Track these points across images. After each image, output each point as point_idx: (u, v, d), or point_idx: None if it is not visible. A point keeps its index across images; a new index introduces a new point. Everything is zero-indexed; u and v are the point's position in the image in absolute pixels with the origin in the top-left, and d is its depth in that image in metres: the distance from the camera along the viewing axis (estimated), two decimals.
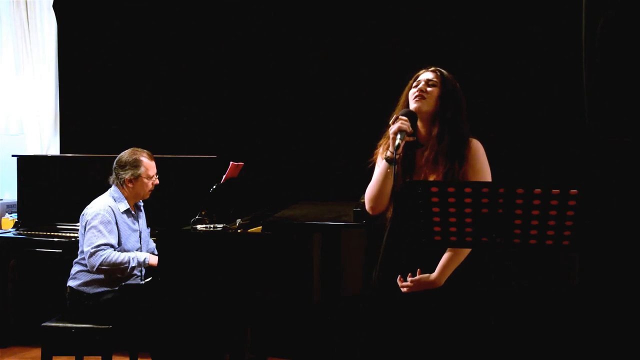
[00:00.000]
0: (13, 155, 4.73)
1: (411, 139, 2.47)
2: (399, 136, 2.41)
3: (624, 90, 3.25)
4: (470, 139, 2.57)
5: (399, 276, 2.50)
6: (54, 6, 5.05)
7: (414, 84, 2.58)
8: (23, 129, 5.14)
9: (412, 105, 2.54)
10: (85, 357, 3.69)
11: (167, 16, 4.94)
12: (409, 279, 2.47)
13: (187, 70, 4.91)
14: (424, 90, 2.53)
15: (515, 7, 4.19)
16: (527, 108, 4.18)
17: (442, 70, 2.59)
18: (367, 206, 2.63)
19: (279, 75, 4.71)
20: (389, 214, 2.61)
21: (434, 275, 2.47)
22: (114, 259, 3.46)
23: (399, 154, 2.43)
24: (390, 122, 2.49)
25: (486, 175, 2.55)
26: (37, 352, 3.80)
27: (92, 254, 3.46)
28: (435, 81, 2.55)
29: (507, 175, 3.93)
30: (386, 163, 2.50)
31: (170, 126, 4.90)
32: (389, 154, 2.47)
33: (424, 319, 2.51)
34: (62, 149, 5.10)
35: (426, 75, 2.58)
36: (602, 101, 3.26)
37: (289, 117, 4.68)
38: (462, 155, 2.51)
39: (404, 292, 2.49)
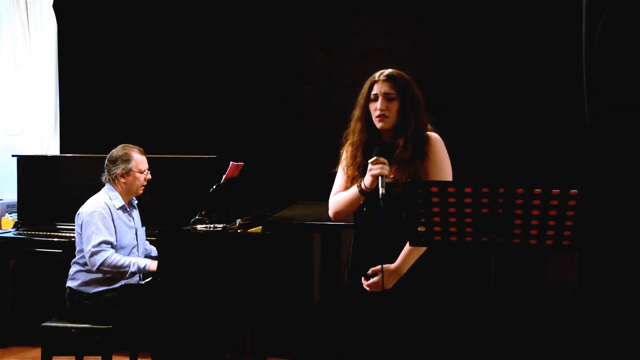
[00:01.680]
0: (13, 155, 4.73)
1: (390, 180, 2.47)
2: (379, 181, 2.40)
3: (624, 90, 3.25)
4: (429, 134, 2.58)
5: (363, 278, 2.50)
6: (54, 6, 5.05)
7: (372, 96, 2.57)
8: (23, 129, 5.14)
9: (378, 124, 2.55)
10: (85, 357, 3.68)
11: (167, 16, 4.94)
12: (370, 277, 2.48)
13: (187, 70, 4.91)
14: (384, 108, 2.53)
15: (515, 6, 4.19)
16: (527, 108, 4.18)
17: (396, 76, 2.56)
18: (331, 214, 2.68)
19: (279, 75, 4.71)
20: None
21: (395, 264, 2.47)
22: (115, 261, 3.46)
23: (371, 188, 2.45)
24: (370, 161, 2.46)
25: (446, 167, 2.57)
26: (37, 352, 3.80)
27: (93, 254, 3.46)
28: (393, 94, 2.54)
29: (507, 175, 3.95)
30: (358, 192, 2.52)
31: (170, 126, 4.91)
32: (363, 186, 2.49)
33: (397, 317, 2.51)
34: (62, 149, 5.10)
35: (382, 87, 2.55)
36: (602, 101, 3.26)
37: (289, 117, 4.68)
38: (424, 153, 2.54)
39: (370, 291, 2.49)
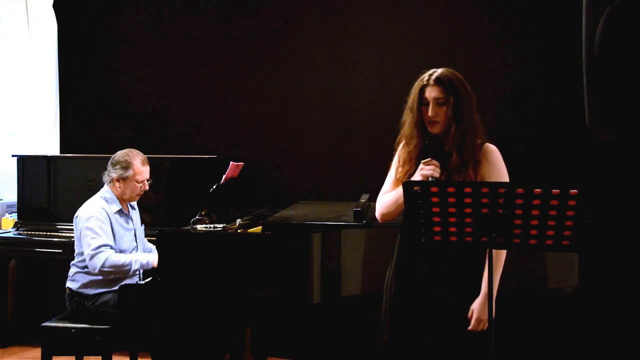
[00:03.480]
0: (13, 155, 4.73)
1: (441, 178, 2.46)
2: (430, 180, 2.41)
3: (624, 90, 3.24)
4: (486, 144, 2.57)
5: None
6: (54, 6, 5.05)
7: (424, 100, 2.52)
8: (23, 129, 5.13)
9: (430, 130, 2.53)
10: (85, 357, 3.68)
11: (167, 16, 4.94)
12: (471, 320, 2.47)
13: (187, 70, 4.91)
14: (434, 115, 2.50)
15: (515, 6, 4.20)
16: (526, 108, 4.19)
17: (445, 81, 2.50)
18: (378, 215, 2.65)
19: (279, 75, 4.71)
20: None
21: (482, 294, 2.45)
22: (115, 261, 3.45)
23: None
24: (422, 162, 2.45)
25: (504, 176, 2.55)
26: (37, 352, 3.80)
27: (92, 257, 3.44)
28: (443, 98, 2.49)
29: (507, 175, 3.94)
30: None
31: (171, 126, 4.91)
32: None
33: (440, 322, 2.50)
34: (62, 149, 5.10)
35: (432, 92, 2.50)
36: (602, 101, 3.25)
37: (289, 117, 4.68)
38: (477, 161, 2.51)
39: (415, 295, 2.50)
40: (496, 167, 2.54)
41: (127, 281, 3.51)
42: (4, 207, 4.97)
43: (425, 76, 2.53)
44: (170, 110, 4.93)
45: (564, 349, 3.97)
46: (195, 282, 3.12)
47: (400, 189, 2.51)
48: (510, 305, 3.30)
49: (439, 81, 2.50)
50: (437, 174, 2.42)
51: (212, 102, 4.86)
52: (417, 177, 2.45)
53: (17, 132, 5.13)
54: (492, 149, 2.57)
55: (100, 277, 3.53)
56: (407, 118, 2.58)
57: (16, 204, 4.72)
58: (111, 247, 3.50)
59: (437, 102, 2.50)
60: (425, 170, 2.43)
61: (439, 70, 2.53)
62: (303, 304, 3.12)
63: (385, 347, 2.61)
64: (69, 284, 3.62)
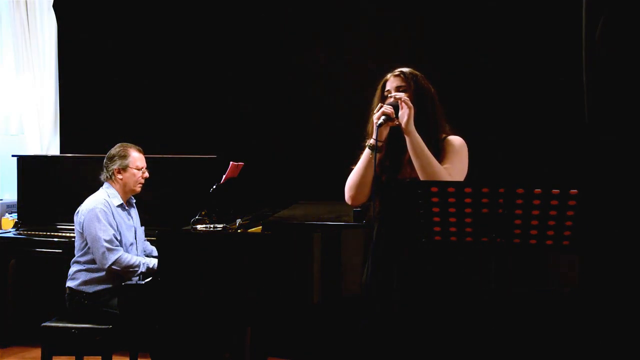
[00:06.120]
0: (13, 155, 4.73)
1: (394, 123, 2.49)
2: (382, 118, 2.45)
3: (624, 89, 3.25)
4: (450, 135, 2.60)
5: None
6: (54, 6, 5.05)
7: (385, 94, 2.61)
8: (23, 129, 5.13)
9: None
10: (85, 357, 3.69)
11: (167, 16, 4.94)
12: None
13: (187, 70, 4.91)
14: None
15: (515, 5, 4.20)
16: (527, 108, 4.18)
17: (406, 72, 2.61)
18: (346, 195, 2.68)
19: (280, 75, 4.71)
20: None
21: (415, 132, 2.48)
22: (126, 261, 3.49)
23: (381, 142, 2.48)
24: (374, 110, 2.53)
25: (460, 173, 2.56)
26: (37, 352, 3.80)
27: (105, 252, 3.47)
28: (404, 86, 2.58)
29: (508, 175, 3.95)
30: (368, 150, 2.54)
31: (171, 126, 4.90)
32: (371, 141, 2.51)
33: (418, 320, 2.50)
34: (62, 149, 5.10)
35: (393, 82, 2.60)
36: (602, 101, 3.26)
37: (289, 117, 4.68)
38: (440, 151, 2.54)
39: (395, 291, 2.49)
40: (453, 155, 2.55)
41: (128, 281, 3.51)
42: (4, 207, 4.97)
43: (388, 74, 2.65)
44: (171, 111, 4.93)
45: (564, 349, 3.96)
46: (195, 282, 3.12)
47: (363, 155, 2.58)
48: (510, 305, 3.31)
49: (400, 72, 2.61)
50: (388, 111, 2.46)
51: (213, 102, 4.86)
52: (374, 125, 2.48)
53: (18, 132, 5.14)
54: (456, 139, 2.60)
55: (100, 275, 3.54)
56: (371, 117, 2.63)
57: (16, 204, 4.72)
58: (119, 241, 3.55)
59: (399, 90, 2.58)
60: (377, 113, 2.48)
61: (400, 68, 2.64)
62: (303, 304, 3.12)
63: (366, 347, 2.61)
64: (69, 283, 3.63)
